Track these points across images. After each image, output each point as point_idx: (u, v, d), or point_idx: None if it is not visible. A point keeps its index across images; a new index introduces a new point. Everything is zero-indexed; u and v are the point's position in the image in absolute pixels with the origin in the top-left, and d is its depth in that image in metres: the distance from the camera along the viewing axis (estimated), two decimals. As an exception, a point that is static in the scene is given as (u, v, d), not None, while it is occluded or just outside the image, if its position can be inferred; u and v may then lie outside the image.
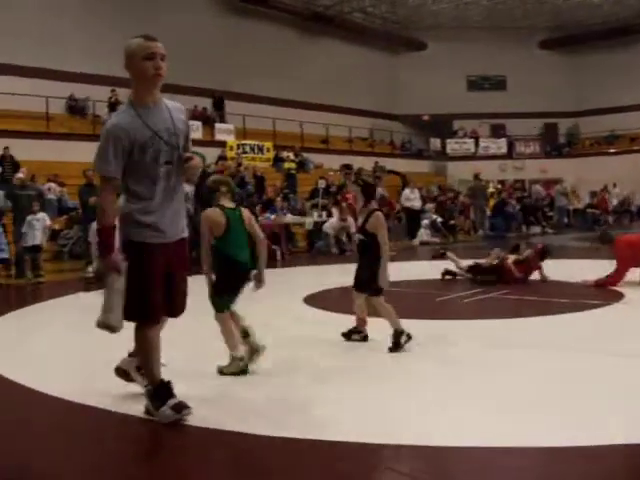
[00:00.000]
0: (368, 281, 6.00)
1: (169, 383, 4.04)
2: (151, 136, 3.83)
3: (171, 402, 3.94)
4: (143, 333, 3.98)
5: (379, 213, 6.10)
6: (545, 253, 10.14)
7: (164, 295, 3.95)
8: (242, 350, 5.12)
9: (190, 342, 5.90)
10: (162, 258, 3.93)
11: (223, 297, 5.17)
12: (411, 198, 20.78)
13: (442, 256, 10.95)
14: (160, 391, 4.00)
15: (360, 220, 6.14)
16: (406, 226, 21.04)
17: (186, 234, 4.19)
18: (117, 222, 3.90)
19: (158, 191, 3.90)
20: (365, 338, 6.16)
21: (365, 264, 6.06)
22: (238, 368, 5.04)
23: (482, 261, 10.49)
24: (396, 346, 5.76)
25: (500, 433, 3.64)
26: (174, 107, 4.05)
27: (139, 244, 3.86)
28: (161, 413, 3.94)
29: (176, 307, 4.12)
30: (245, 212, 5.40)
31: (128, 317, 3.90)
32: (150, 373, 4.06)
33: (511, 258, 10.16)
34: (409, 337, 5.84)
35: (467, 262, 10.80)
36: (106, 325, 3.82)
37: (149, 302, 3.90)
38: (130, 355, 4.60)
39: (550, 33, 35.65)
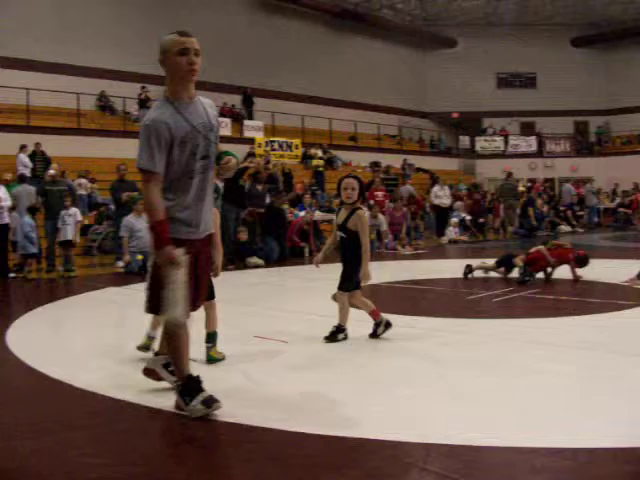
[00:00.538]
0: (349, 277, 6.07)
1: (198, 377, 4.04)
2: (190, 130, 3.85)
3: (201, 396, 3.95)
4: (178, 329, 3.97)
5: (362, 212, 6.16)
6: (584, 261, 9.97)
7: (191, 289, 3.96)
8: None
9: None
10: (193, 254, 3.94)
11: None
12: (440, 195, 20.70)
13: (471, 272, 10.69)
14: (190, 386, 4.01)
15: (343, 217, 6.12)
16: (435, 224, 20.95)
17: (213, 230, 4.23)
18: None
19: (194, 186, 3.91)
20: (346, 336, 6.16)
21: (347, 262, 6.10)
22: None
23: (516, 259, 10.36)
24: (331, 337, 6.04)
25: (530, 433, 3.60)
26: (207, 103, 4.09)
27: (174, 240, 3.84)
28: (191, 408, 3.94)
29: (199, 300, 4.18)
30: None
31: (158, 311, 3.94)
32: (179, 368, 4.06)
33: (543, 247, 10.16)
34: (387, 326, 6.16)
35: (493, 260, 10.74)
36: (173, 321, 3.82)
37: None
38: (156, 354, 4.62)
39: (582, 30, 35.27)
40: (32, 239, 12.31)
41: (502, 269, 10.49)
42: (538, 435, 3.57)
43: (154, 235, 3.81)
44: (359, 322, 6.29)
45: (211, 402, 3.92)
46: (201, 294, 4.16)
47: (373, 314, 6.20)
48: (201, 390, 3.99)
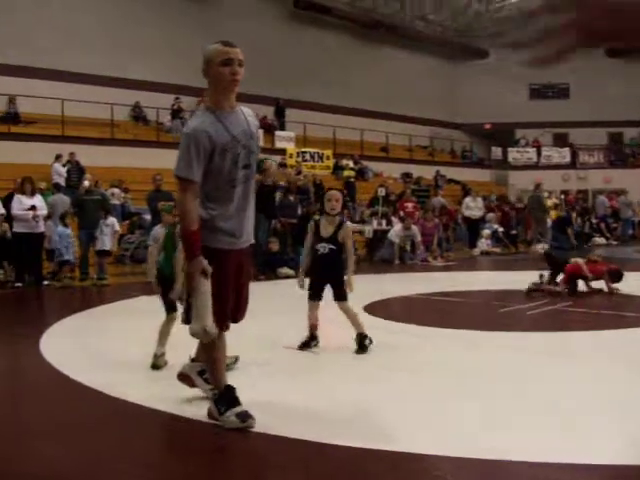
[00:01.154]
0: (342, 286, 6.07)
1: (234, 389, 4.04)
2: (231, 139, 3.85)
3: (236, 409, 3.93)
4: (216, 340, 3.97)
5: (348, 224, 6.43)
6: (618, 276, 9.81)
7: (232, 301, 3.97)
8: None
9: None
10: (234, 264, 3.94)
11: (162, 301, 5.74)
12: (471, 207, 20.56)
13: (536, 290, 10.15)
14: (225, 396, 4.00)
15: (330, 230, 6.10)
16: (467, 235, 20.80)
17: (253, 240, 4.22)
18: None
19: (236, 195, 3.90)
20: (371, 340, 6.13)
21: (338, 272, 6.10)
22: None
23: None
24: (361, 348, 6.01)
25: (561, 449, 3.54)
26: (248, 112, 4.09)
27: (215, 250, 3.83)
28: (225, 418, 3.93)
29: (240, 313, 4.14)
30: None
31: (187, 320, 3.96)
32: (216, 377, 4.06)
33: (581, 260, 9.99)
34: (371, 341, 6.08)
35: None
36: (203, 332, 3.81)
37: (222, 309, 3.90)
38: (192, 360, 4.63)
39: (616, 41, 34.84)
40: (67, 247, 12.44)
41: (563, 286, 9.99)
42: (569, 452, 3.51)
43: (186, 245, 3.83)
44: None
45: (246, 417, 3.90)
46: (242, 306, 4.12)
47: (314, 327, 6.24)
48: (237, 403, 3.97)
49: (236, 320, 4.14)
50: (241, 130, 3.91)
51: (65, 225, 12.66)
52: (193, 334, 3.87)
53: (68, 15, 21.43)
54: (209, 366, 4.12)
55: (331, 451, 3.58)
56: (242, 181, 3.93)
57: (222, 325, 3.96)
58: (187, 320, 3.99)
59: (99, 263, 12.67)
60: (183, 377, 4.58)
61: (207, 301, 3.76)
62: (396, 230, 17.07)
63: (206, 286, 3.76)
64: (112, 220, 12.95)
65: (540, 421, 4.04)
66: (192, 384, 4.54)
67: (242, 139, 3.90)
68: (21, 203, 12.06)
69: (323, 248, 6.10)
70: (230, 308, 3.94)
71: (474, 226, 20.39)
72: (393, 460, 3.45)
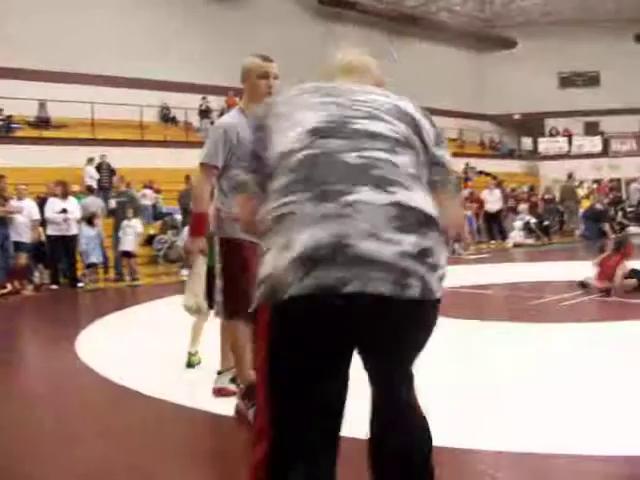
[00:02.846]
0: None
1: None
2: None
3: None
4: (239, 331, 3.96)
5: None
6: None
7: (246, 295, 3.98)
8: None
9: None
10: (255, 255, 3.93)
11: None
12: (489, 200, 20.25)
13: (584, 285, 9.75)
14: (253, 390, 4.01)
15: None
16: (491, 227, 20.50)
17: None
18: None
19: None
20: None
21: None
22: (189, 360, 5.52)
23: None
24: None
25: (602, 441, 3.50)
26: None
27: (236, 242, 3.84)
28: (254, 412, 3.94)
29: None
30: None
31: (229, 315, 3.97)
32: (243, 372, 4.05)
33: None
34: None
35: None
36: (196, 308, 3.98)
37: (250, 299, 3.89)
38: (219, 373, 4.63)
39: (646, 26, 34.37)
40: (94, 248, 12.54)
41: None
42: (611, 444, 3.47)
43: (193, 224, 4.09)
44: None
45: None
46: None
47: None
48: None
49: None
50: None
51: (92, 226, 12.73)
52: (187, 309, 4.05)
53: (96, 19, 21.60)
54: (236, 360, 4.12)
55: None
56: None
57: (252, 316, 3.94)
58: (227, 315, 4.03)
59: (127, 264, 12.81)
60: (217, 390, 4.58)
61: (200, 282, 4.04)
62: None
63: (202, 268, 4.06)
64: (135, 221, 13.06)
65: (576, 412, 4.00)
66: (229, 393, 4.50)
67: None
68: (54, 206, 12.21)
69: None
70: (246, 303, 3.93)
71: (493, 219, 20.12)
72: (435, 455, 3.43)
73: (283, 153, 1.92)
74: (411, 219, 1.78)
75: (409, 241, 1.74)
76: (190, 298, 3.94)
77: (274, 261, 1.78)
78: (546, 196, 23.72)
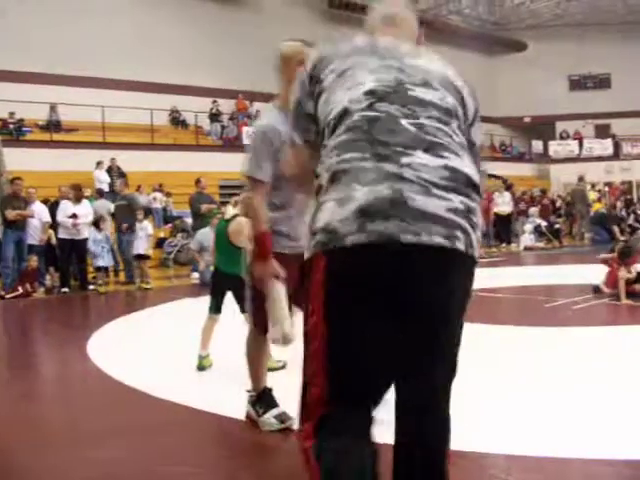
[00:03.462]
0: None
1: (271, 390, 4.03)
2: None
3: (274, 411, 3.94)
4: (259, 339, 3.91)
5: None
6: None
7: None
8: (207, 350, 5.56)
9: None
10: (294, 268, 3.61)
11: (211, 299, 5.67)
12: (499, 203, 20.10)
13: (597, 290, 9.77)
14: (264, 398, 4.00)
15: None
16: (502, 231, 20.38)
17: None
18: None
19: (298, 197, 3.67)
20: None
21: None
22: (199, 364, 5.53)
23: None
24: None
25: (614, 445, 3.48)
26: None
27: (276, 254, 3.64)
28: (264, 420, 3.94)
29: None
30: (234, 223, 5.59)
31: (255, 324, 3.86)
32: (255, 378, 4.03)
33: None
34: None
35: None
36: (283, 338, 3.65)
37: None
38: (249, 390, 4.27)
39: (657, 27, 34.25)
40: (101, 252, 12.55)
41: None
42: (624, 448, 3.45)
43: (257, 247, 3.62)
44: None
45: (284, 418, 3.91)
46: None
47: None
48: (275, 405, 3.97)
49: None
50: None
51: (99, 230, 12.72)
52: (273, 341, 3.71)
53: (107, 24, 21.69)
54: (251, 366, 4.03)
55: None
56: None
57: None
58: (254, 323, 3.88)
59: (139, 267, 12.83)
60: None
61: (282, 306, 3.56)
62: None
63: (279, 291, 3.58)
64: (145, 224, 13.09)
65: (590, 416, 3.97)
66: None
67: None
68: (65, 210, 12.26)
69: None
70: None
71: (504, 222, 19.99)
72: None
73: (342, 112, 1.97)
74: (460, 182, 1.88)
75: (458, 199, 1.85)
76: (276, 330, 3.60)
77: (332, 213, 1.83)
78: (556, 198, 23.67)
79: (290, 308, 3.61)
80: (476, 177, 1.97)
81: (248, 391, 4.11)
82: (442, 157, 1.88)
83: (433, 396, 2.14)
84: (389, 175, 1.80)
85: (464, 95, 2.17)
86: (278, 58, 3.74)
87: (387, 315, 1.85)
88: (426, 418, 2.12)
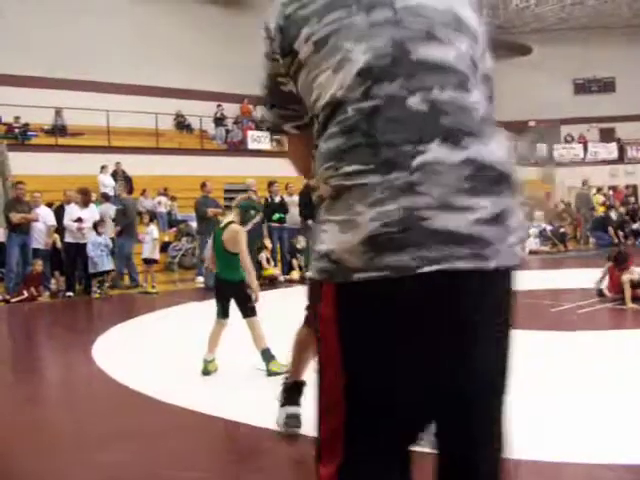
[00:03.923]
0: None
1: (303, 386, 4.01)
2: None
3: (290, 410, 3.95)
4: (309, 331, 3.89)
5: None
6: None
7: None
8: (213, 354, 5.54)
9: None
10: None
11: (217, 304, 5.66)
12: None
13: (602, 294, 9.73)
14: (291, 391, 4.01)
15: None
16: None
17: None
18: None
19: None
20: None
21: None
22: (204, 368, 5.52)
23: None
24: None
25: (619, 450, 3.47)
26: None
27: None
28: (280, 411, 3.98)
29: None
30: (227, 230, 5.59)
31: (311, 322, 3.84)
32: (297, 368, 4.04)
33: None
34: None
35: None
36: None
37: None
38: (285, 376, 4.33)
39: (662, 31, 34.21)
40: (100, 256, 12.50)
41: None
42: (624, 452, 3.44)
43: None
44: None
45: (291, 423, 3.91)
46: None
47: None
48: (297, 402, 3.98)
49: None
50: None
51: (98, 234, 12.69)
52: None
53: (112, 28, 21.75)
54: (295, 357, 4.05)
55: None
56: None
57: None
58: (309, 320, 3.93)
59: (146, 272, 12.85)
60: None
61: None
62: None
63: None
64: (151, 228, 13.09)
65: (595, 422, 3.96)
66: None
67: None
68: (71, 214, 12.28)
69: None
70: None
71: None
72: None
73: (331, 104, 1.55)
74: (486, 178, 1.51)
75: (485, 204, 1.49)
76: None
77: (335, 239, 1.51)
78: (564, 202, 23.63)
79: None
80: (506, 163, 1.57)
81: (285, 376, 4.17)
82: (463, 147, 1.49)
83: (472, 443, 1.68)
84: (398, 189, 1.45)
85: (478, 34, 1.72)
86: None
87: (410, 351, 1.54)
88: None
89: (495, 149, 1.55)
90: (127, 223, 12.99)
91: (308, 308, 3.92)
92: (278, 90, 1.73)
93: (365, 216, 1.47)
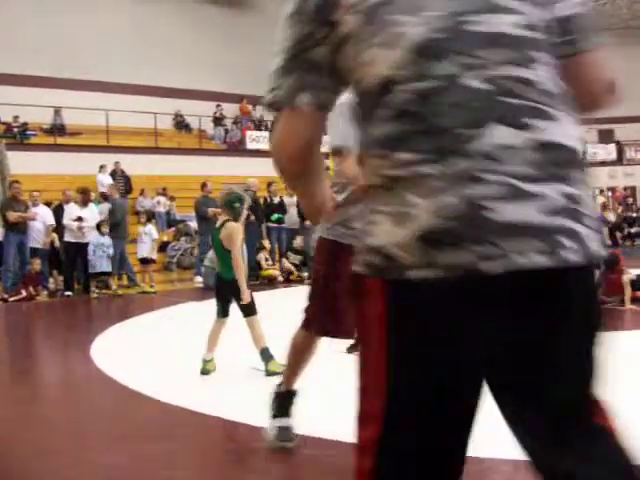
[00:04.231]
0: None
1: (294, 396, 3.82)
2: None
3: (283, 422, 3.74)
4: (309, 338, 3.71)
5: None
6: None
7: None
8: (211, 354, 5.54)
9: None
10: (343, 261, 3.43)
11: (217, 304, 5.67)
12: None
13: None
14: (283, 401, 3.81)
15: None
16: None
17: None
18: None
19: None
20: None
21: None
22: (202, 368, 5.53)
23: None
24: None
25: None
26: None
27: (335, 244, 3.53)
28: (270, 424, 3.76)
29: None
30: (224, 229, 5.59)
31: (311, 323, 3.67)
32: (291, 375, 3.81)
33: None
34: None
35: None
36: None
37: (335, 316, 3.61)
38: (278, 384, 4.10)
39: (661, 33, 34.25)
40: (100, 257, 12.49)
41: None
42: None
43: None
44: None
45: (283, 437, 3.70)
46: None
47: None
48: (287, 414, 3.77)
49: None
50: None
51: (101, 234, 12.68)
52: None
53: (112, 28, 21.76)
54: (290, 362, 3.80)
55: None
56: None
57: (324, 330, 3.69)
58: (308, 322, 3.69)
59: (143, 271, 12.84)
60: None
61: None
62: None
63: None
64: (149, 228, 13.07)
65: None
66: None
67: None
68: (71, 213, 12.28)
69: None
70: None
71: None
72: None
73: (380, 84, 1.37)
74: (556, 162, 1.34)
75: (557, 190, 1.31)
76: None
77: (387, 233, 1.35)
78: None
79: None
80: (576, 142, 1.41)
81: (277, 384, 3.93)
82: (528, 128, 1.31)
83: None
84: (456, 177, 1.29)
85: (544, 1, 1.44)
86: None
87: (464, 355, 1.38)
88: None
89: (565, 130, 1.38)
90: (114, 223, 12.93)
91: (307, 310, 3.69)
92: (305, 57, 1.49)
93: (420, 209, 1.31)
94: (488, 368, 1.40)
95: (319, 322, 3.59)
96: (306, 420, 3.86)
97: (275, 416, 3.79)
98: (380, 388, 1.39)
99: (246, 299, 5.44)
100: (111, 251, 12.66)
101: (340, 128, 3.34)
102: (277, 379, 4.00)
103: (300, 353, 3.75)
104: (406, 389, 1.38)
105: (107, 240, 12.63)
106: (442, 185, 1.29)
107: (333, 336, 3.64)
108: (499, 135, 1.29)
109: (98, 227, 12.69)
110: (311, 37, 1.46)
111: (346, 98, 3.45)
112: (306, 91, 1.47)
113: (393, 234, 1.33)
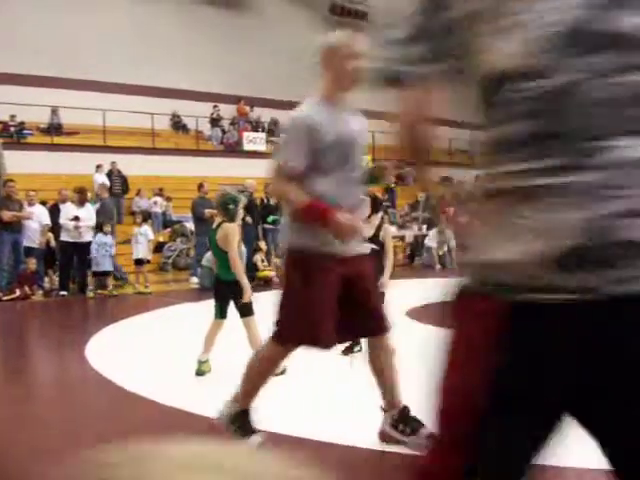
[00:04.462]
0: None
1: (248, 415, 3.74)
2: (334, 138, 3.46)
3: (254, 440, 3.65)
4: (276, 351, 3.61)
5: (387, 225, 6.65)
6: None
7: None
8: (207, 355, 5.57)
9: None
10: (341, 273, 3.49)
11: (215, 305, 5.65)
12: None
13: None
14: (244, 419, 3.74)
15: (371, 231, 5.90)
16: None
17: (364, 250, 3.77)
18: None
19: (351, 194, 3.56)
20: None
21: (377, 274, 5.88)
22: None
23: None
24: None
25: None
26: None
27: (303, 254, 3.46)
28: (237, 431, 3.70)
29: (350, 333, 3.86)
30: (220, 230, 5.61)
31: (280, 334, 3.56)
32: (250, 392, 3.70)
33: None
34: None
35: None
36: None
37: (309, 326, 3.53)
38: (384, 411, 3.86)
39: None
40: (103, 256, 12.45)
41: None
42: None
43: (314, 217, 3.34)
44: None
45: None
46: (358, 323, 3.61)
47: None
48: (252, 429, 3.69)
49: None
50: (346, 130, 3.53)
51: (104, 233, 12.64)
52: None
53: (109, 27, 21.72)
54: (253, 377, 3.69)
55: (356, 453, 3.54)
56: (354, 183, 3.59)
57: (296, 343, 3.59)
58: (278, 332, 3.55)
59: (138, 272, 12.81)
60: (383, 436, 3.82)
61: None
62: (432, 235, 17.01)
63: None
64: (145, 228, 13.04)
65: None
66: (390, 439, 3.79)
67: (347, 139, 3.50)
68: (68, 212, 12.25)
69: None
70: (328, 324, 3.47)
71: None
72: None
73: (499, 75, 1.24)
74: None
75: None
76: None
77: (499, 248, 1.23)
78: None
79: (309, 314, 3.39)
80: None
81: (230, 400, 3.84)
82: None
83: None
84: (582, 192, 1.16)
85: None
86: (321, 51, 3.47)
87: (583, 384, 1.28)
88: None
89: None
90: (100, 222, 12.88)
91: (279, 322, 3.52)
92: (439, 16, 1.33)
93: (539, 224, 1.20)
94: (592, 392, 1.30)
95: (295, 332, 3.47)
96: (306, 421, 3.84)
97: (243, 435, 3.67)
98: (474, 412, 1.29)
99: (248, 297, 5.43)
100: (113, 250, 12.64)
101: (292, 147, 3.36)
102: (275, 380, 3.98)
103: (266, 367, 3.63)
104: (514, 415, 1.30)
105: (109, 239, 12.60)
106: (564, 200, 1.18)
107: (310, 345, 3.51)
108: (629, 147, 1.17)
109: (100, 227, 12.67)
110: (439, 8, 1.35)
111: (300, 113, 3.44)
112: (435, 62, 1.40)
113: (506, 249, 1.23)
